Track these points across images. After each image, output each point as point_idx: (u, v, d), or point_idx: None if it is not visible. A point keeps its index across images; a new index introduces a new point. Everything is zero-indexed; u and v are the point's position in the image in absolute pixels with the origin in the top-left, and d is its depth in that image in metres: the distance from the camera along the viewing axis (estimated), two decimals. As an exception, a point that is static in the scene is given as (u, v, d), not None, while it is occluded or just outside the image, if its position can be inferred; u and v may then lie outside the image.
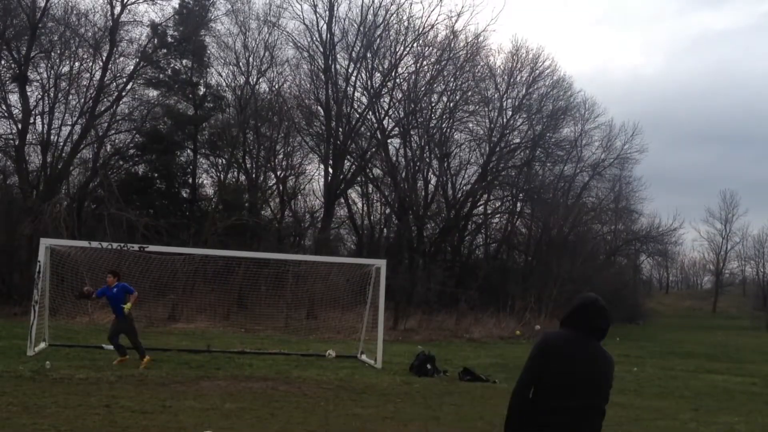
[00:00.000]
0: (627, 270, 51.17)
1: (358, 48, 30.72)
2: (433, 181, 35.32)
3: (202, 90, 32.33)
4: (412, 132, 33.61)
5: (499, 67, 35.91)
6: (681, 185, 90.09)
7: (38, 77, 28.08)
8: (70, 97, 28.53)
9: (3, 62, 27.29)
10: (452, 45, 32.07)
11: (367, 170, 33.86)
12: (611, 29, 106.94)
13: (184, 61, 31.51)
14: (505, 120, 35.50)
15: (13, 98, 27.61)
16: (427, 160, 34.35)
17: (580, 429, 3.55)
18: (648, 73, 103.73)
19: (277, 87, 32.50)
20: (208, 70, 32.52)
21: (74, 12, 28.03)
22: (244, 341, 18.26)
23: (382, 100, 32.61)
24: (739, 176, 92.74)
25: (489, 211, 38.72)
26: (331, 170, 30.57)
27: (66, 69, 28.09)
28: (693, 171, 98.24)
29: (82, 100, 28.38)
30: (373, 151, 32.95)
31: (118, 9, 27.57)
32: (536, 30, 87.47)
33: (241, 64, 31.81)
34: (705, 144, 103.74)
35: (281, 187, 33.47)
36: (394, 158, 33.83)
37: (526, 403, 3.63)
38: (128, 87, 28.94)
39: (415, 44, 31.51)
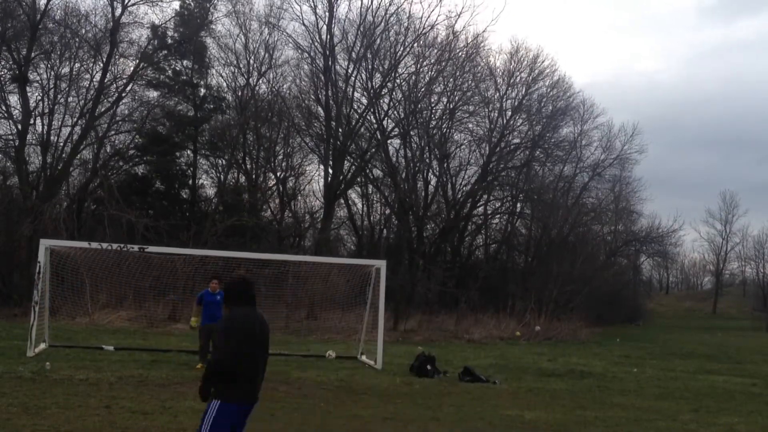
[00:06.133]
0: (627, 271, 51.20)
1: (358, 48, 30.72)
2: (433, 181, 35.35)
3: (202, 91, 32.36)
4: (412, 132, 33.59)
5: (499, 67, 35.96)
6: (681, 187, 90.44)
7: (38, 78, 28.11)
8: (70, 98, 28.55)
9: (3, 63, 27.30)
10: (452, 45, 32.08)
11: (367, 171, 33.85)
12: (622, 36, 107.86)
13: (184, 62, 31.53)
14: (504, 120, 35.48)
15: (13, 99, 27.66)
16: (427, 160, 34.34)
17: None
18: (660, 79, 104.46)
19: (277, 88, 32.57)
20: (208, 71, 32.56)
21: (74, 13, 28.07)
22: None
23: (381, 100, 32.58)
24: (740, 178, 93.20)
25: (489, 212, 38.72)
26: (330, 171, 30.56)
27: (66, 70, 28.09)
28: (694, 173, 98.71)
29: (82, 101, 28.38)
30: (373, 152, 32.92)
31: (118, 10, 27.61)
32: (537, 31, 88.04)
33: (241, 65, 31.86)
34: (708, 147, 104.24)
35: (281, 188, 33.48)
36: (394, 159, 33.82)
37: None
38: (128, 88, 28.97)
39: (414, 45, 31.51)
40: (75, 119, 28.16)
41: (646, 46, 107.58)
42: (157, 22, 29.34)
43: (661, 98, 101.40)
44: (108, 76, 27.85)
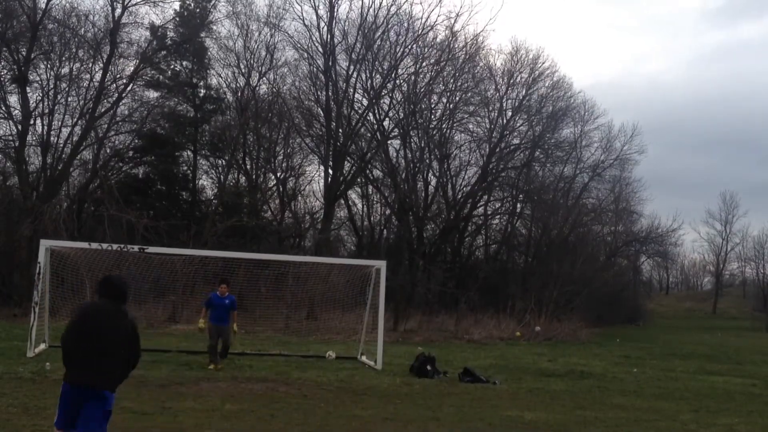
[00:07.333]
0: (627, 271, 51.18)
1: (358, 49, 30.74)
2: (433, 182, 35.36)
3: (202, 92, 32.37)
4: (412, 133, 33.60)
5: (499, 68, 35.98)
6: (681, 187, 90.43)
7: (38, 78, 28.16)
8: (70, 98, 28.62)
9: (3, 63, 27.31)
10: (451, 45, 32.11)
11: (367, 171, 33.86)
12: (624, 38, 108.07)
13: (184, 63, 31.54)
14: (504, 121, 35.50)
15: (13, 99, 27.69)
16: (427, 161, 34.36)
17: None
18: (663, 80, 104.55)
19: (277, 88, 32.57)
20: (208, 71, 32.59)
21: (74, 13, 28.09)
22: (244, 342, 18.24)
23: (382, 101, 32.61)
24: (740, 179, 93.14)
25: (489, 212, 38.74)
26: (331, 171, 30.57)
27: (66, 70, 28.15)
28: (694, 173, 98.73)
29: (82, 101, 28.43)
30: (373, 153, 32.93)
31: (119, 11, 27.63)
32: (539, 32, 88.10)
33: (241, 65, 31.88)
34: (708, 148, 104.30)
35: (281, 189, 33.50)
36: (394, 159, 33.85)
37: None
38: (128, 88, 28.99)
39: (414, 45, 31.55)
40: (75, 120, 28.21)
41: (649, 47, 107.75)
42: (157, 22, 29.42)
43: (663, 99, 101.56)
44: (108, 76, 27.92)
